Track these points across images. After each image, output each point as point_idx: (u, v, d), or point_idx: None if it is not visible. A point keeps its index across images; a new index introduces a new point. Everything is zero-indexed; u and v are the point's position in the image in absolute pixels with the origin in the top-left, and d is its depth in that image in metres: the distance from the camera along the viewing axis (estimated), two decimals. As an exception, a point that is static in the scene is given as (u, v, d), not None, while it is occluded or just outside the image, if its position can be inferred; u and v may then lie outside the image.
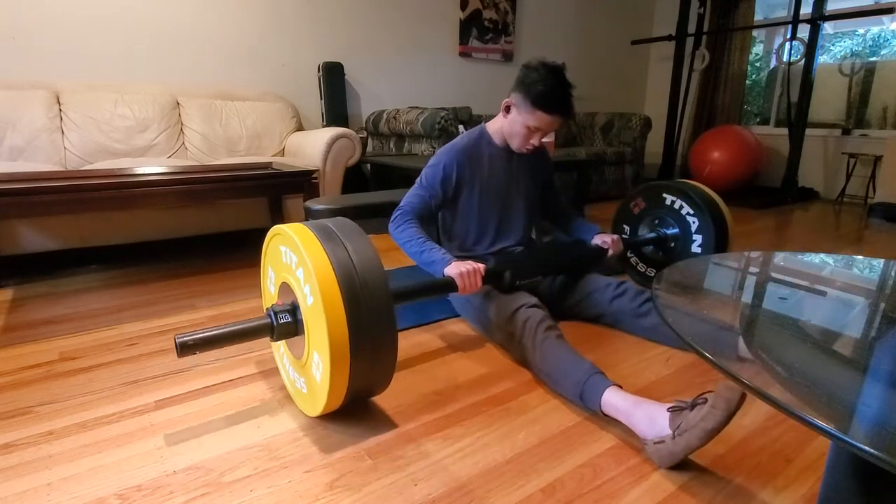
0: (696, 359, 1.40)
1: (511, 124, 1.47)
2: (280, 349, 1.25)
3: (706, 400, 0.90)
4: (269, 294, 1.24)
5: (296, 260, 1.03)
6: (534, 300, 1.37)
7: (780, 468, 0.97)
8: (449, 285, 1.29)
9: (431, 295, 1.30)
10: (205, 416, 1.13)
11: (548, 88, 1.36)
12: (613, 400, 1.04)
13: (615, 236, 1.62)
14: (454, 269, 1.30)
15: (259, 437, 1.06)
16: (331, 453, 1.01)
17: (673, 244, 1.83)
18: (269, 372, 1.32)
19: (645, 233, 1.92)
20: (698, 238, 1.76)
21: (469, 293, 1.34)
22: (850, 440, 0.46)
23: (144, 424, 1.10)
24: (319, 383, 1.02)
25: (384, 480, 0.93)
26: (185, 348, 0.99)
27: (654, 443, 0.95)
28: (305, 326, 1.04)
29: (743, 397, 0.85)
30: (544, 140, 1.52)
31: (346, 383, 0.99)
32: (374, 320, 0.98)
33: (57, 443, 1.03)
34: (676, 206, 1.82)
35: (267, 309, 1.10)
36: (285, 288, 1.11)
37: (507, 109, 1.47)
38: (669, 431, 0.93)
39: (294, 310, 1.07)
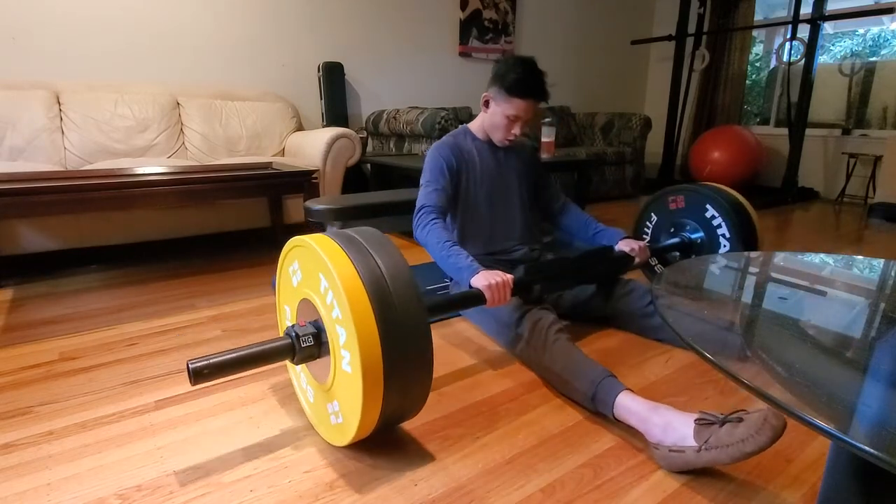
0: (696, 359, 1.40)
1: (491, 117, 1.50)
2: (297, 370, 1.17)
3: (741, 419, 0.88)
4: (286, 310, 1.17)
5: (320, 275, 0.95)
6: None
7: (780, 468, 0.97)
8: (477, 298, 1.22)
9: (460, 308, 1.25)
10: (205, 416, 1.13)
11: (520, 75, 1.41)
12: (628, 403, 1.03)
13: (641, 243, 1.57)
14: (482, 280, 1.24)
15: (259, 437, 1.06)
16: (331, 453, 1.01)
17: (694, 256, 1.78)
18: (270, 372, 1.32)
19: (671, 233, 1.86)
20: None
21: (498, 306, 1.28)
22: (850, 440, 0.46)
23: (144, 424, 1.10)
24: (349, 411, 0.94)
25: (384, 480, 0.93)
26: (198, 376, 0.90)
27: (671, 451, 0.94)
28: (331, 348, 0.95)
29: (785, 426, 0.84)
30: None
31: (378, 412, 0.91)
32: (410, 343, 0.90)
33: (57, 443, 1.03)
34: (715, 223, 1.74)
35: (286, 328, 1.02)
36: (306, 305, 1.03)
37: (486, 104, 1.51)
38: (693, 444, 0.91)
39: (318, 329, 0.99)
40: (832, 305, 0.90)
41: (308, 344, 0.97)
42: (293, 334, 0.98)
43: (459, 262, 1.32)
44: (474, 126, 1.59)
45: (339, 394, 0.96)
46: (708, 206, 1.76)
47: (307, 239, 0.98)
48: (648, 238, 1.97)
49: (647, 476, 0.95)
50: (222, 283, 2.02)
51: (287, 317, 1.18)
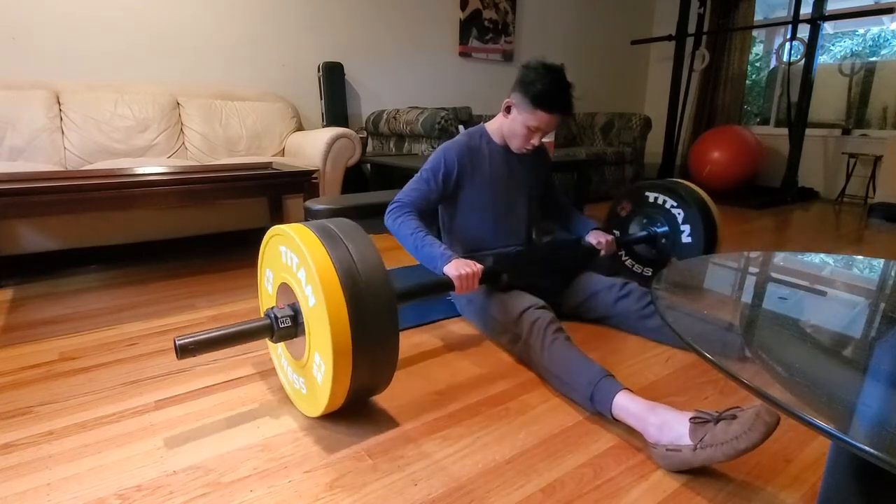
0: (695, 359, 1.40)
1: (511, 124, 1.48)
2: (278, 350, 1.24)
3: (734, 416, 0.88)
4: (267, 294, 1.24)
5: (297, 260, 1.02)
6: (541, 302, 1.37)
7: (780, 468, 0.97)
8: (447, 285, 1.29)
9: (430, 294, 1.30)
10: (205, 416, 1.13)
11: (547, 87, 1.37)
12: (626, 403, 1.03)
13: (609, 237, 1.62)
14: (453, 269, 1.30)
15: (259, 437, 1.06)
16: (331, 453, 1.01)
17: (664, 240, 1.85)
18: (269, 372, 1.32)
19: (636, 232, 1.93)
20: (686, 228, 1.78)
21: (465, 293, 1.36)
22: (850, 440, 0.46)
23: (144, 424, 1.10)
24: (321, 384, 1.02)
25: (384, 480, 0.93)
26: (184, 351, 0.99)
27: (668, 450, 0.94)
28: (307, 327, 1.04)
29: (778, 421, 0.84)
30: (544, 140, 1.52)
31: (347, 384, 0.99)
32: (377, 320, 0.98)
33: (57, 443, 1.03)
34: (660, 201, 1.84)
35: (266, 310, 1.10)
36: (284, 288, 1.11)
37: (508, 110, 1.48)
38: (689, 442, 0.91)
39: (294, 311, 1.07)
40: (832, 305, 0.90)
41: (285, 322, 1.06)
42: (272, 315, 1.07)
43: (434, 251, 1.35)
44: (492, 127, 1.57)
45: (316, 353, 1.01)
46: (647, 194, 1.88)
47: (282, 227, 1.06)
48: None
49: (647, 476, 0.95)
50: (222, 283, 2.02)
51: None
